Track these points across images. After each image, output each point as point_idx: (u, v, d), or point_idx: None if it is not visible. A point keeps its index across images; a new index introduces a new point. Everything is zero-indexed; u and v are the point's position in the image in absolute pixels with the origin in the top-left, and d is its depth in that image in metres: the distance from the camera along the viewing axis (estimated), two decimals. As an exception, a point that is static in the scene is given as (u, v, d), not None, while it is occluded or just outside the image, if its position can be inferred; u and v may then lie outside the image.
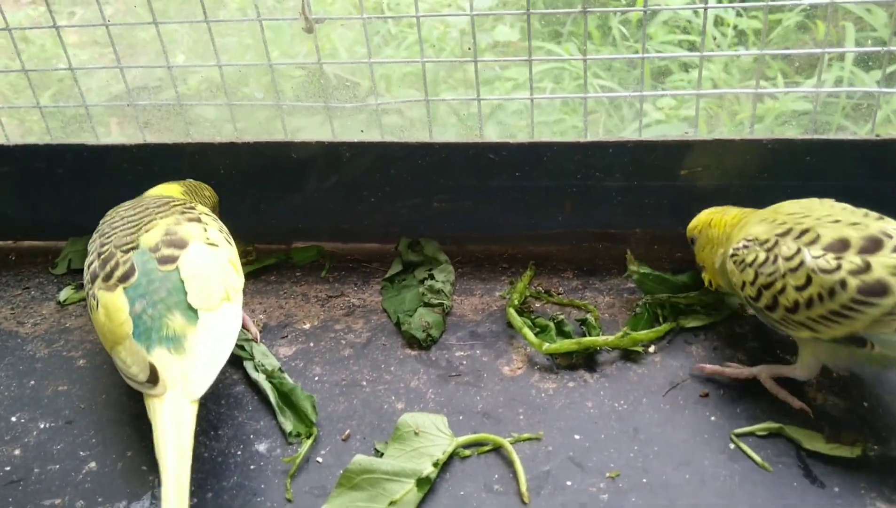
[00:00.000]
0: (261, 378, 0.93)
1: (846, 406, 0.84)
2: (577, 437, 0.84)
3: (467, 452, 0.83)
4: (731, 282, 0.86)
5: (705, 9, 0.96)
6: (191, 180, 1.06)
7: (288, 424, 0.88)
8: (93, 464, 0.85)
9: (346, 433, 0.86)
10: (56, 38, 1.30)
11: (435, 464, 0.80)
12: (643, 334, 0.93)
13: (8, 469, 0.85)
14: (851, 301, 0.74)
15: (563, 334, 0.96)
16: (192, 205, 0.96)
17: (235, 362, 0.97)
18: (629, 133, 1.59)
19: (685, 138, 1.02)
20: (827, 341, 0.78)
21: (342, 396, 0.91)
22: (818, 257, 0.77)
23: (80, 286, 1.12)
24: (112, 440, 0.88)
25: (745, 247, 0.84)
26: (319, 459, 0.84)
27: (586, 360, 0.93)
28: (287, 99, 1.11)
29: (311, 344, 0.99)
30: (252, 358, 0.96)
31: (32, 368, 0.99)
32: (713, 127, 1.65)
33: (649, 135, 1.12)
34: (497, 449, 0.83)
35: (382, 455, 0.82)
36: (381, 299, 1.06)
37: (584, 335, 0.95)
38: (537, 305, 1.03)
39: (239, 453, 0.85)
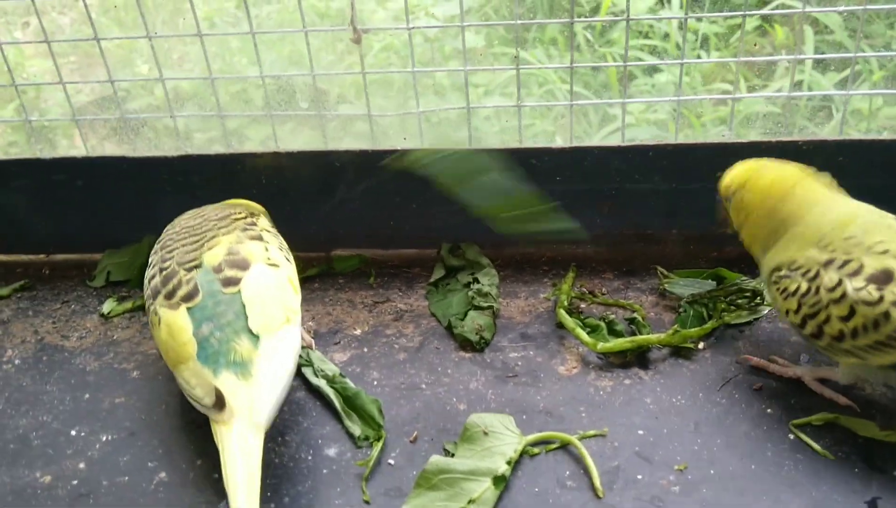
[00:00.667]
0: (322, 384, 0.94)
1: (895, 396, 0.88)
2: (640, 432, 0.86)
3: (536, 450, 0.85)
4: (776, 304, 0.88)
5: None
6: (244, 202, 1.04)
7: (356, 428, 0.89)
8: (163, 474, 0.85)
9: (414, 434, 0.88)
10: (17, 49, 1.28)
11: (508, 462, 0.82)
12: (693, 331, 0.96)
13: (75, 482, 0.85)
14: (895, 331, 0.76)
15: (614, 332, 0.98)
16: (254, 219, 0.97)
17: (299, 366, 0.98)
18: (599, 137, 1.63)
19: (722, 141, 1.05)
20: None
21: (403, 399, 0.93)
22: (860, 289, 0.78)
23: (123, 298, 1.12)
24: (179, 449, 0.88)
25: (787, 277, 0.84)
26: (391, 461, 0.85)
27: (638, 358, 0.96)
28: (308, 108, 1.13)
29: (365, 349, 1.01)
30: (311, 364, 0.97)
31: (85, 381, 0.99)
32: (681, 129, 1.70)
33: (683, 138, 1.14)
34: (565, 446, 0.85)
35: (453, 455, 0.84)
36: (427, 303, 1.08)
37: (634, 333, 0.98)
38: (583, 306, 1.05)
39: (310, 458, 0.86)
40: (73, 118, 1.16)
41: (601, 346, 0.95)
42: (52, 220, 1.19)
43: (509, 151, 1.09)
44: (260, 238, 0.92)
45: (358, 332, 1.04)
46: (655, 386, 0.92)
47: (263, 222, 0.98)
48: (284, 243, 0.96)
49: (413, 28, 1.04)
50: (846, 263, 0.80)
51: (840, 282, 0.79)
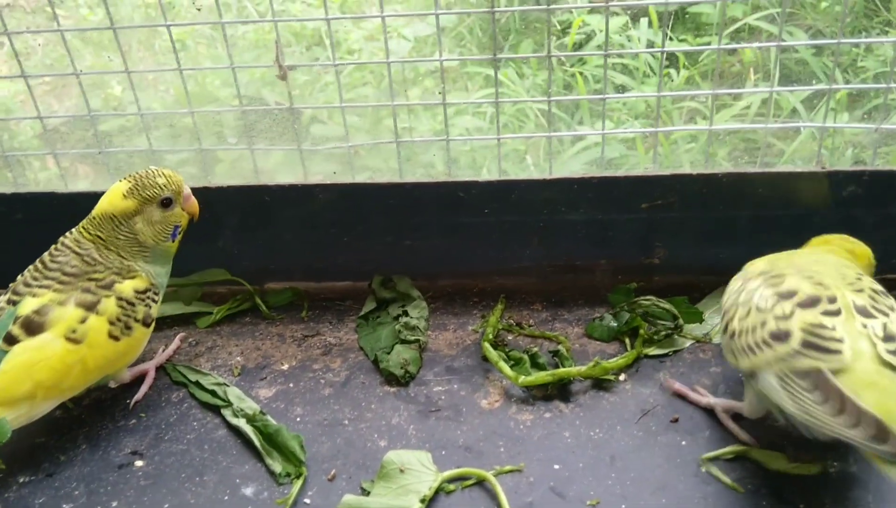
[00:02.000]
0: (241, 423, 0.94)
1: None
2: (556, 467, 0.87)
3: (452, 487, 0.85)
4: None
5: (662, 52, 1.01)
6: (140, 174, 0.94)
7: (276, 465, 0.89)
8: (77, 517, 0.85)
9: (332, 472, 0.88)
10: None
11: (422, 500, 0.82)
12: (612, 362, 0.97)
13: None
14: (762, 339, 0.79)
15: (537, 365, 0.99)
16: (117, 277, 0.92)
17: (214, 408, 0.98)
18: (569, 155, 1.65)
19: (645, 173, 1.06)
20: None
21: (325, 436, 0.93)
22: (765, 298, 0.81)
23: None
24: (96, 490, 0.87)
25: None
26: (307, 500, 0.85)
27: (560, 390, 0.97)
28: (259, 141, 1.13)
29: (291, 385, 1.01)
30: (229, 404, 0.97)
31: (7, 420, 0.98)
32: (650, 147, 1.72)
33: (599, 170, 1.16)
34: (481, 483, 0.85)
35: (369, 493, 0.84)
36: (356, 337, 1.08)
37: (557, 366, 0.99)
38: (510, 337, 1.06)
39: (226, 498, 0.86)
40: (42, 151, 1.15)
41: (522, 380, 0.96)
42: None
43: (437, 184, 1.10)
44: (90, 308, 0.89)
45: (285, 367, 1.04)
46: (575, 419, 0.93)
47: (132, 284, 0.92)
48: (140, 310, 0.92)
49: (338, 64, 1.05)
50: (776, 277, 0.83)
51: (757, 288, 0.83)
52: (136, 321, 0.92)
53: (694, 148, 1.76)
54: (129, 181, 0.93)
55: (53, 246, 0.96)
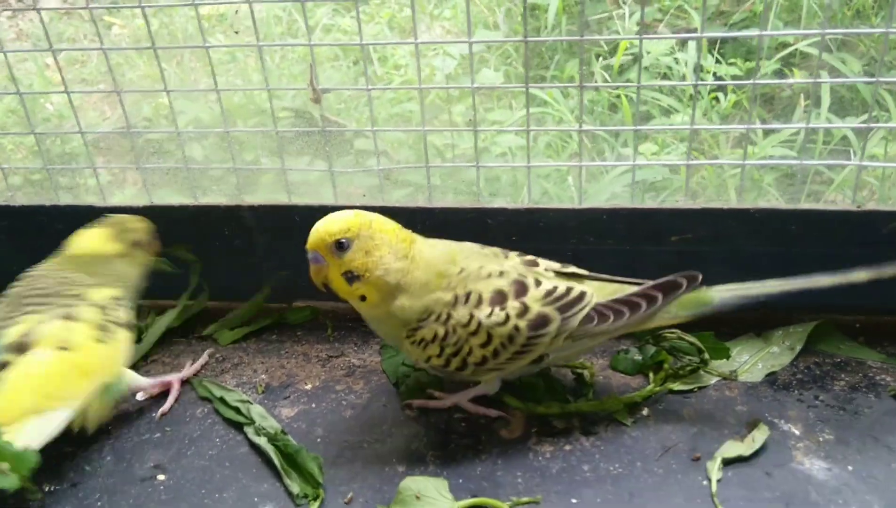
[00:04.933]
0: (262, 442, 0.95)
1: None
2: (573, 501, 0.86)
3: (467, 516, 0.85)
4: (411, 356, 0.93)
5: (695, 85, 1.01)
6: (118, 218, 1.05)
7: (294, 486, 0.89)
8: (98, 528, 0.86)
9: (349, 496, 0.88)
10: (43, 77, 1.30)
11: (437, 529, 0.82)
12: (627, 397, 0.96)
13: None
14: (528, 339, 0.88)
15: (550, 390, 0.99)
16: (86, 288, 0.97)
17: (237, 425, 0.99)
18: (610, 178, 1.64)
19: (676, 207, 1.06)
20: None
21: (344, 458, 0.93)
22: (489, 315, 0.88)
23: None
24: (118, 503, 0.89)
25: (420, 328, 0.90)
26: (323, 523, 0.85)
27: (582, 422, 0.96)
28: (291, 161, 1.15)
29: (313, 405, 1.01)
30: (252, 422, 0.98)
31: (37, 428, 1.00)
32: (696, 170, 1.70)
33: (633, 202, 1.15)
34: (497, 513, 0.85)
35: (385, 519, 0.85)
36: (380, 359, 1.09)
37: (580, 390, 0.99)
38: (533, 366, 1.05)
39: (244, 517, 0.87)
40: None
41: (531, 408, 0.97)
42: (25, 264, 1.22)
43: (466, 210, 1.10)
44: (70, 317, 0.93)
45: (308, 387, 1.04)
46: (595, 453, 0.92)
47: (104, 292, 0.98)
48: (119, 314, 0.97)
49: (371, 88, 1.06)
50: (468, 296, 0.89)
51: (472, 316, 0.88)
52: (116, 324, 0.96)
53: (739, 174, 1.74)
54: (111, 227, 1.03)
55: (23, 279, 1.00)
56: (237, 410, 1.00)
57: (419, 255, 0.91)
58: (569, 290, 0.91)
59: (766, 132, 1.73)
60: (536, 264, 0.95)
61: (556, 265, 0.96)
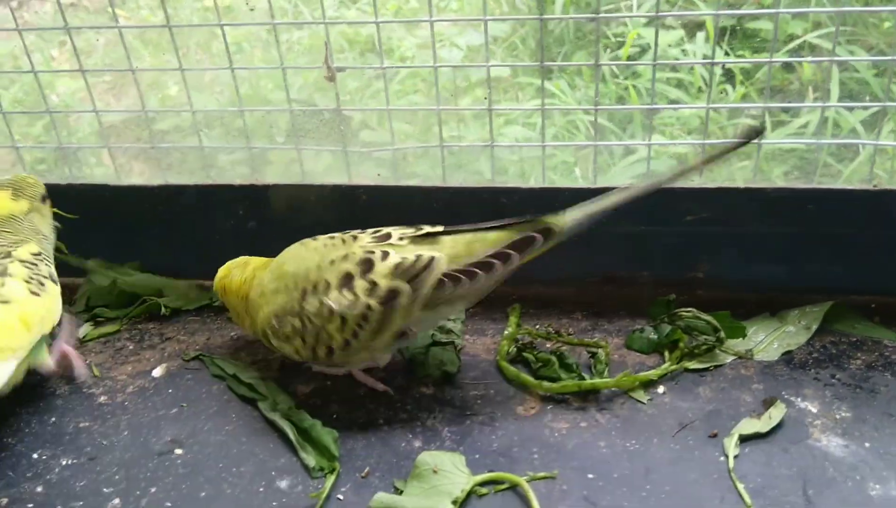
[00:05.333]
0: (277, 417, 0.95)
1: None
2: (590, 476, 0.86)
3: (484, 490, 0.85)
4: (282, 351, 0.96)
5: (713, 63, 1.00)
6: (17, 177, 1.07)
7: (311, 459, 0.90)
8: (116, 501, 0.86)
9: (366, 470, 0.88)
10: (48, 65, 1.29)
11: (454, 502, 0.82)
12: (643, 375, 0.96)
13: (31, 506, 0.87)
14: (381, 315, 0.89)
15: (565, 367, 0.99)
16: (11, 246, 0.99)
17: (251, 401, 0.99)
18: (618, 168, 1.63)
19: (691, 186, 1.05)
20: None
21: (360, 434, 0.94)
22: (339, 299, 0.90)
23: (99, 323, 1.14)
24: (135, 476, 0.89)
25: (277, 324, 0.94)
26: (340, 496, 0.86)
27: (597, 400, 0.96)
28: (303, 140, 1.15)
29: (328, 383, 1.02)
30: (266, 398, 0.98)
31: (53, 405, 1.01)
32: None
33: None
34: (513, 488, 0.85)
35: (402, 492, 0.85)
36: (394, 338, 1.09)
37: (593, 370, 0.99)
38: (548, 345, 1.06)
39: (262, 490, 0.87)
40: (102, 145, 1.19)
41: (547, 386, 0.96)
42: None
43: (481, 189, 1.10)
44: (5, 273, 0.95)
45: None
46: (611, 430, 0.92)
47: (27, 249, 1.00)
48: (44, 268, 0.99)
49: (387, 67, 1.06)
50: (315, 286, 0.91)
51: (321, 302, 0.90)
52: (45, 277, 0.98)
53: (747, 166, 1.73)
54: (11, 187, 1.04)
55: None
56: (250, 387, 1.01)
57: (261, 282, 0.97)
58: (417, 258, 0.91)
59: (776, 124, 1.72)
60: (389, 237, 0.94)
61: (411, 231, 0.95)
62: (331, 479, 0.87)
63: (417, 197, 1.12)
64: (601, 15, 0.98)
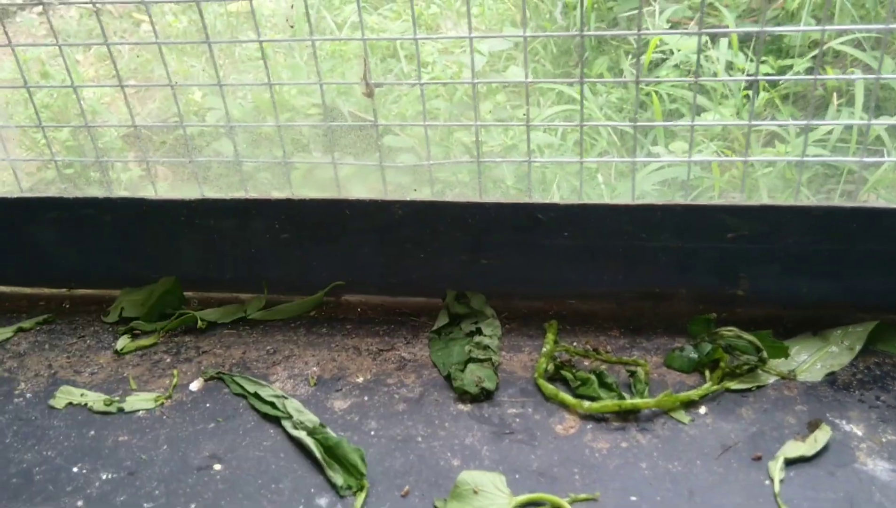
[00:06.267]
0: (302, 435, 0.94)
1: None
2: (633, 499, 0.85)
3: (525, 511, 0.84)
4: None
5: (756, 79, 0.99)
6: None
7: (337, 478, 0.89)
8: (156, 516, 0.87)
9: (406, 489, 0.88)
10: (76, 72, 1.31)
11: (495, 523, 0.82)
12: (684, 395, 0.95)
13: (72, 519, 0.87)
14: None
15: (605, 386, 0.98)
16: None
17: (274, 420, 0.98)
18: (642, 175, 1.62)
19: (732, 203, 1.04)
20: None
21: (398, 451, 0.93)
22: None
23: (136, 336, 1.15)
24: (174, 492, 0.89)
25: None
26: (380, 515, 0.85)
27: (638, 420, 0.95)
28: (339, 154, 1.15)
29: (366, 398, 1.01)
30: (289, 416, 0.98)
31: (91, 418, 1.01)
32: (725, 169, 1.68)
33: (683, 196, 1.14)
34: (555, 509, 0.84)
35: (442, 512, 0.84)
36: (429, 353, 1.08)
37: (633, 389, 0.98)
38: (585, 363, 1.05)
39: (301, 507, 0.86)
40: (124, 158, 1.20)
41: (588, 406, 0.95)
42: (75, 255, 1.23)
43: (516, 205, 1.09)
44: None
45: (360, 380, 1.04)
46: (653, 451, 0.91)
47: None
48: None
49: (424, 83, 1.06)
50: None
51: None
52: None
53: (771, 173, 1.71)
54: None
55: None
56: (272, 405, 1.00)
57: None
58: None
59: (799, 131, 1.70)
60: None
61: None
62: (361, 497, 0.86)
63: (453, 212, 1.12)
64: (642, 31, 0.97)
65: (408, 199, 1.13)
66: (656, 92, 1.83)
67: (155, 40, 1.10)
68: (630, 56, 1.96)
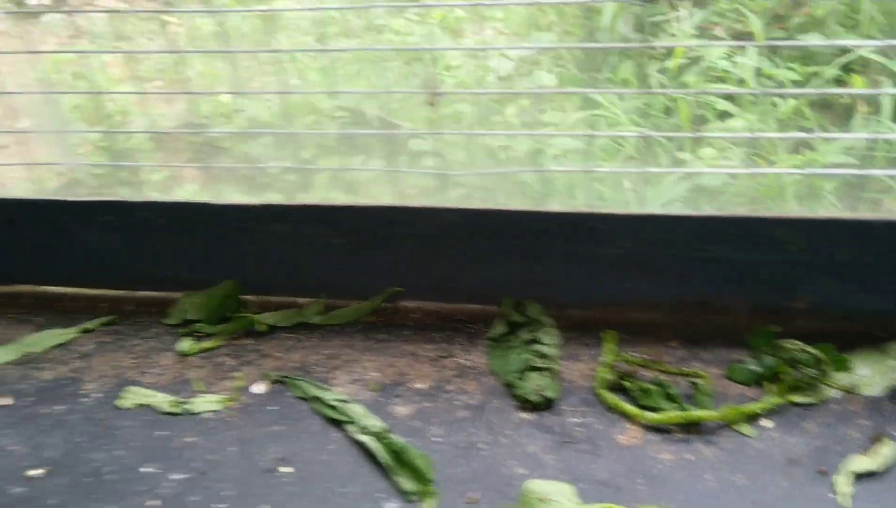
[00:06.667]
0: (367, 440, 0.96)
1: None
2: (699, 510, 0.86)
3: (592, 521, 0.85)
4: None
5: (803, 94, 0.99)
6: None
7: (405, 483, 0.90)
8: (228, 517, 0.88)
9: (473, 496, 0.89)
10: (104, 72, 1.32)
11: (564, 532, 0.83)
12: (748, 408, 0.96)
13: (145, 518, 0.89)
14: None
15: (668, 397, 0.98)
16: None
17: (337, 423, 1.00)
18: (670, 181, 1.62)
19: (794, 216, 1.04)
20: None
21: (462, 458, 0.94)
22: None
23: (199, 338, 1.17)
24: (245, 493, 0.91)
25: None
26: (448, 522, 0.86)
27: (701, 432, 0.95)
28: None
29: (427, 405, 1.02)
30: (352, 421, 0.99)
31: (158, 419, 1.03)
32: (752, 176, 1.68)
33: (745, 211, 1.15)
34: (622, 519, 0.85)
35: (509, 520, 0.85)
36: (487, 360, 1.09)
37: (695, 401, 0.98)
38: (645, 373, 1.05)
39: (369, 512, 0.88)
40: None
41: (651, 417, 0.95)
42: (136, 258, 1.25)
43: (572, 214, 1.10)
44: None
45: (420, 386, 1.06)
46: (717, 463, 0.91)
47: None
48: None
49: (488, 92, 1.07)
50: None
51: None
52: None
53: (799, 180, 1.70)
54: None
55: None
56: (336, 409, 1.02)
57: None
58: None
59: (826, 141, 1.69)
60: None
61: None
62: (431, 503, 0.88)
63: (510, 220, 1.13)
64: (684, 43, 0.97)
65: (466, 207, 1.14)
66: (683, 98, 1.83)
67: (227, 49, 1.12)
68: (657, 62, 1.95)
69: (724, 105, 1.84)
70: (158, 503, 0.91)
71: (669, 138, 1.73)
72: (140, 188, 1.67)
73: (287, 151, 1.36)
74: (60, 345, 1.17)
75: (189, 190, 1.78)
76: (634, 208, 1.10)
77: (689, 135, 1.45)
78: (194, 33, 2.20)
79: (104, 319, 1.21)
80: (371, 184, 1.52)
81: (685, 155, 1.78)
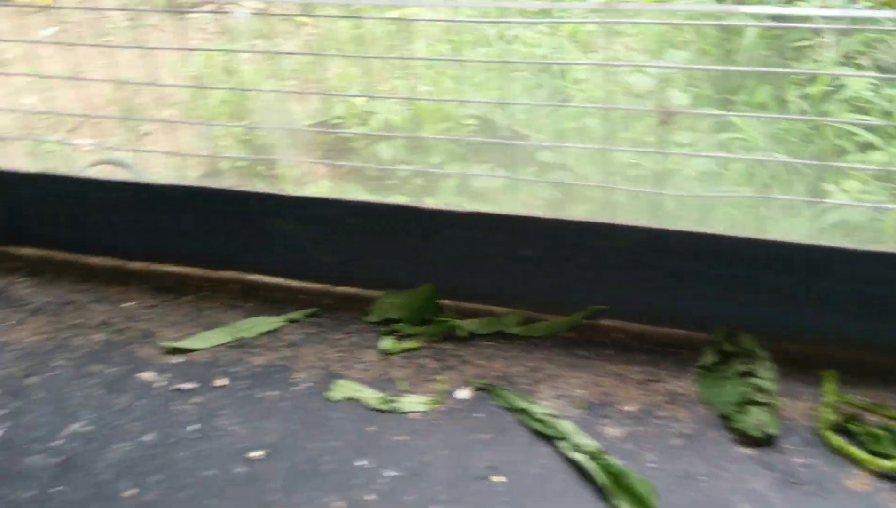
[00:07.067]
0: (583, 459, 0.94)
1: None
2: (950, 572, 0.80)
3: (831, 570, 0.81)
4: None
5: None
6: None
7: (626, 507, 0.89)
8: (445, 519, 0.89)
9: (696, 528, 0.86)
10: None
11: (804, 579, 0.78)
12: None
13: (363, 512, 0.91)
14: None
15: (900, 446, 0.92)
16: None
17: (546, 438, 0.99)
18: (813, 213, 1.53)
19: None
20: None
21: (680, 488, 0.92)
22: None
23: (401, 338, 1.19)
24: (459, 498, 0.92)
25: None
26: (673, 553, 0.84)
27: (944, 487, 0.89)
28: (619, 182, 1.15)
29: (639, 428, 1.00)
30: (563, 438, 0.98)
31: (367, 415, 1.05)
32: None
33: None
34: (865, 573, 0.80)
35: (739, 558, 0.82)
36: (697, 388, 1.06)
37: (935, 457, 0.92)
38: (872, 419, 0.99)
39: (588, 533, 0.87)
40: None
41: (879, 463, 0.90)
42: (337, 254, 1.30)
43: (786, 245, 1.06)
44: None
45: (628, 409, 1.04)
46: (964, 522, 0.85)
47: None
48: None
49: (711, 114, 1.04)
50: None
51: None
52: None
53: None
54: None
55: None
56: (544, 423, 1.01)
57: None
58: None
59: None
60: None
61: None
62: (653, 532, 0.85)
63: (726, 246, 1.09)
64: (840, 72, 0.91)
65: (677, 229, 1.11)
66: (827, 126, 1.74)
67: (395, 55, 1.14)
68: (798, 88, 1.86)
69: (866, 137, 1.75)
70: (374, 497, 0.93)
71: (808, 166, 1.65)
72: (274, 182, 1.73)
73: (416, 154, 1.37)
74: (269, 332, 1.22)
75: (322, 187, 1.83)
76: (864, 245, 1.04)
77: (832, 165, 1.37)
78: (335, 35, 2.28)
79: (308, 310, 1.25)
80: (496, 193, 1.52)
81: (828, 186, 1.70)
